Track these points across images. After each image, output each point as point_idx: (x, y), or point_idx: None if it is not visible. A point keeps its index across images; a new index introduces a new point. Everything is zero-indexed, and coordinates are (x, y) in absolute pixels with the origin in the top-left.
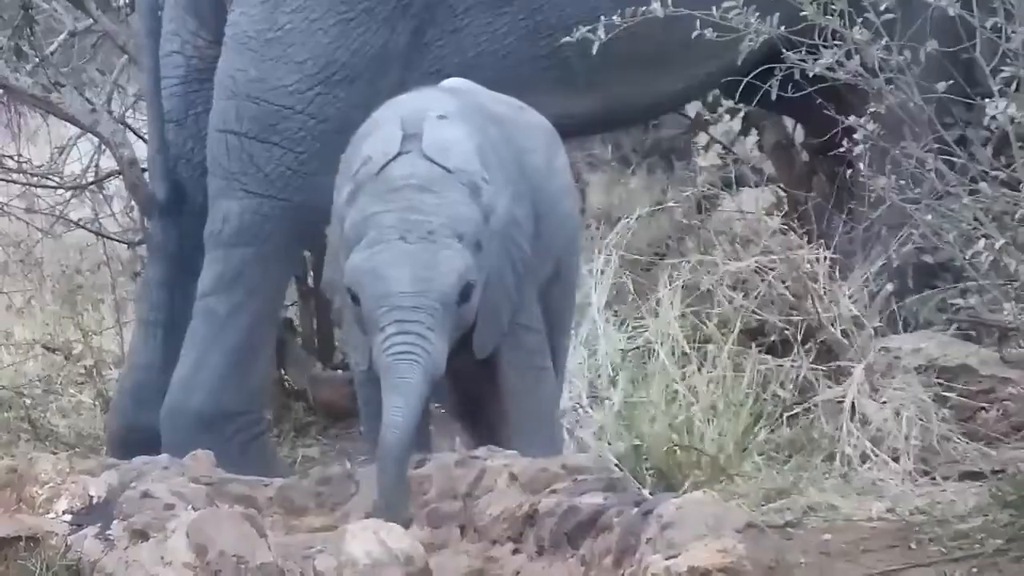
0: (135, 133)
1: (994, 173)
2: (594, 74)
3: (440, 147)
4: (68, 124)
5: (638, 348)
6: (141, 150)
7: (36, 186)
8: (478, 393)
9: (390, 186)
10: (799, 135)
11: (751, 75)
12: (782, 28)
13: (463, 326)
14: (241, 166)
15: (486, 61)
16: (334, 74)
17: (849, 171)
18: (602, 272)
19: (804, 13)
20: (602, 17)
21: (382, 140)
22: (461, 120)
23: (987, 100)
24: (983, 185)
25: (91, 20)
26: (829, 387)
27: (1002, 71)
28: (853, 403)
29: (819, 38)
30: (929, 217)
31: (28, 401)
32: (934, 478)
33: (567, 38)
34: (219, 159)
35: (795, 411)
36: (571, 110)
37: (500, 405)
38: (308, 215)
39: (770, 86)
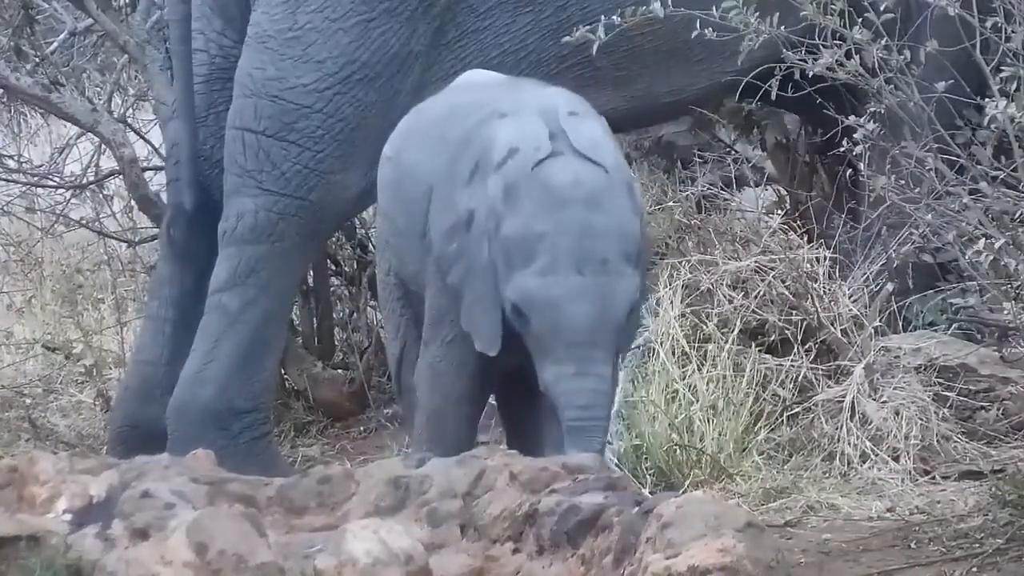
0: (136, 132)
1: (994, 173)
2: (618, 71)
3: (591, 146)
4: (68, 124)
5: (638, 348)
6: (141, 150)
7: (36, 186)
8: (524, 390)
9: (557, 197)
10: (800, 134)
11: (771, 74)
12: (782, 28)
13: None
14: (257, 164)
15: (508, 60)
16: (353, 73)
17: (849, 171)
18: None
19: (804, 13)
20: (615, 15)
21: (526, 132)
22: (592, 117)
23: (987, 100)
24: (983, 185)
25: (91, 20)
26: (829, 387)
27: (1002, 71)
28: (853, 403)
29: (819, 38)
30: (929, 217)
31: (28, 401)
32: (934, 478)
33: (567, 38)
34: (236, 156)
35: (795, 411)
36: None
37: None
38: (323, 214)
39: (770, 86)
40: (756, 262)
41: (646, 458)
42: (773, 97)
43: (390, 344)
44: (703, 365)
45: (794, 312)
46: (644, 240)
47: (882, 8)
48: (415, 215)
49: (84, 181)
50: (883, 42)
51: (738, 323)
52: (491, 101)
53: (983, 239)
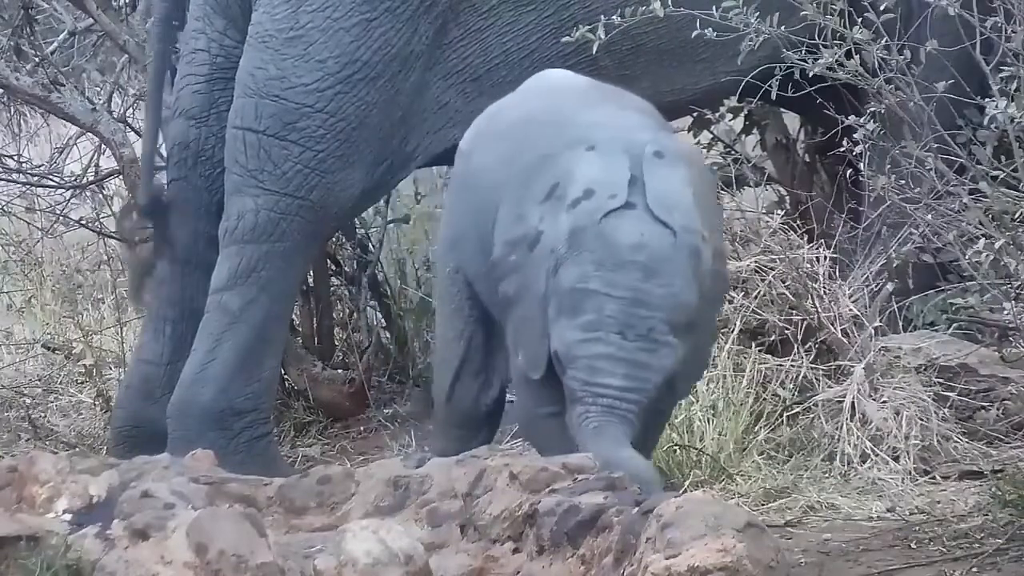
0: (136, 132)
1: (994, 173)
2: (621, 71)
3: (665, 202)
4: (68, 124)
5: None
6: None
7: (36, 185)
8: None
9: (616, 257)
10: (800, 134)
11: (772, 73)
12: (783, 28)
13: None
14: (258, 163)
15: (511, 59)
16: (355, 73)
17: (850, 171)
18: None
19: (804, 13)
20: (616, 14)
21: (606, 174)
22: (676, 158)
23: (987, 100)
24: (983, 185)
25: (91, 20)
26: (829, 387)
27: (1002, 71)
28: (853, 402)
29: (820, 38)
30: (929, 217)
31: (28, 401)
32: (934, 477)
33: (567, 37)
34: (236, 156)
35: (795, 411)
36: None
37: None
38: (324, 214)
39: (770, 86)
40: (756, 262)
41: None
42: (773, 97)
43: (450, 345)
44: None
45: (794, 312)
46: (718, 281)
47: (882, 8)
48: (481, 221)
49: (84, 181)
50: (883, 42)
51: (738, 323)
52: (581, 121)
53: (983, 239)
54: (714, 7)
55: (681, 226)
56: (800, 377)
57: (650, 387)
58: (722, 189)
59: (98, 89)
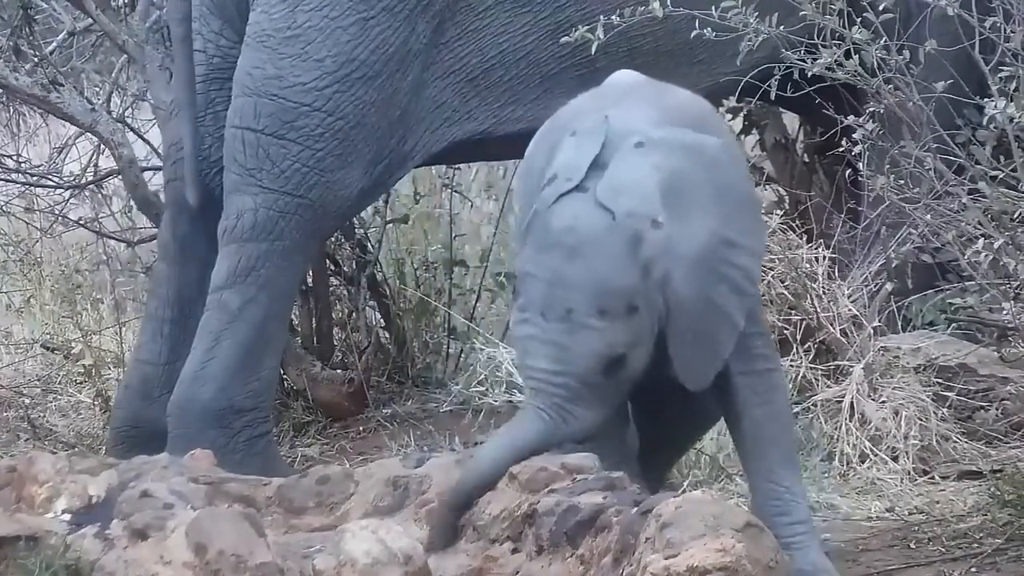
0: (134, 132)
1: (993, 173)
2: None
3: (615, 187)
4: (67, 124)
5: None
6: (140, 150)
7: (35, 185)
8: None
9: (547, 240)
10: (799, 134)
11: (772, 74)
12: (781, 28)
13: (627, 386)
14: (257, 162)
15: (507, 60)
16: (352, 72)
17: (849, 171)
18: None
19: (803, 13)
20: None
21: (572, 158)
22: (656, 147)
23: (987, 100)
24: (982, 185)
25: (90, 20)
26: (828, 387)
27: (1001, 71)
28: (852, 402)
29: (819, 38)
30: (928, 217)
31: (27, 401)
32: (933, 477)
33: (566, 38)
34: (235, 155)
35: (794, 411)
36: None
37: (735, 417)
38: (323, 212)
39: (769, 86)
40: None
41: None
42: (773, 97)
43: None
44: None
45: (793, 312)
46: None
47: (881, 8)
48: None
49: (83, 181)
50: (882, 42)
51: None
52: (587, 111)
53: (982, 239)
54: (712, 7)
55: (625, 210)
56: (799, 377)
57: (578, 371)
58: None
59: (97, 89)
